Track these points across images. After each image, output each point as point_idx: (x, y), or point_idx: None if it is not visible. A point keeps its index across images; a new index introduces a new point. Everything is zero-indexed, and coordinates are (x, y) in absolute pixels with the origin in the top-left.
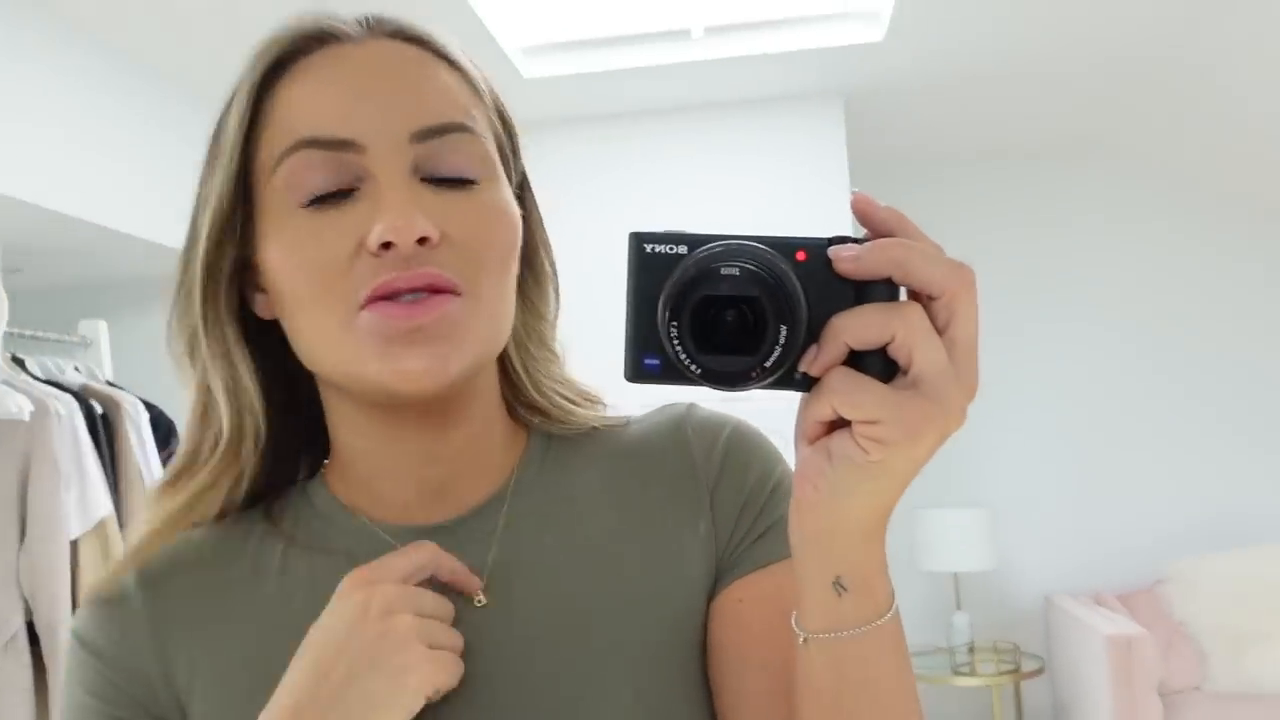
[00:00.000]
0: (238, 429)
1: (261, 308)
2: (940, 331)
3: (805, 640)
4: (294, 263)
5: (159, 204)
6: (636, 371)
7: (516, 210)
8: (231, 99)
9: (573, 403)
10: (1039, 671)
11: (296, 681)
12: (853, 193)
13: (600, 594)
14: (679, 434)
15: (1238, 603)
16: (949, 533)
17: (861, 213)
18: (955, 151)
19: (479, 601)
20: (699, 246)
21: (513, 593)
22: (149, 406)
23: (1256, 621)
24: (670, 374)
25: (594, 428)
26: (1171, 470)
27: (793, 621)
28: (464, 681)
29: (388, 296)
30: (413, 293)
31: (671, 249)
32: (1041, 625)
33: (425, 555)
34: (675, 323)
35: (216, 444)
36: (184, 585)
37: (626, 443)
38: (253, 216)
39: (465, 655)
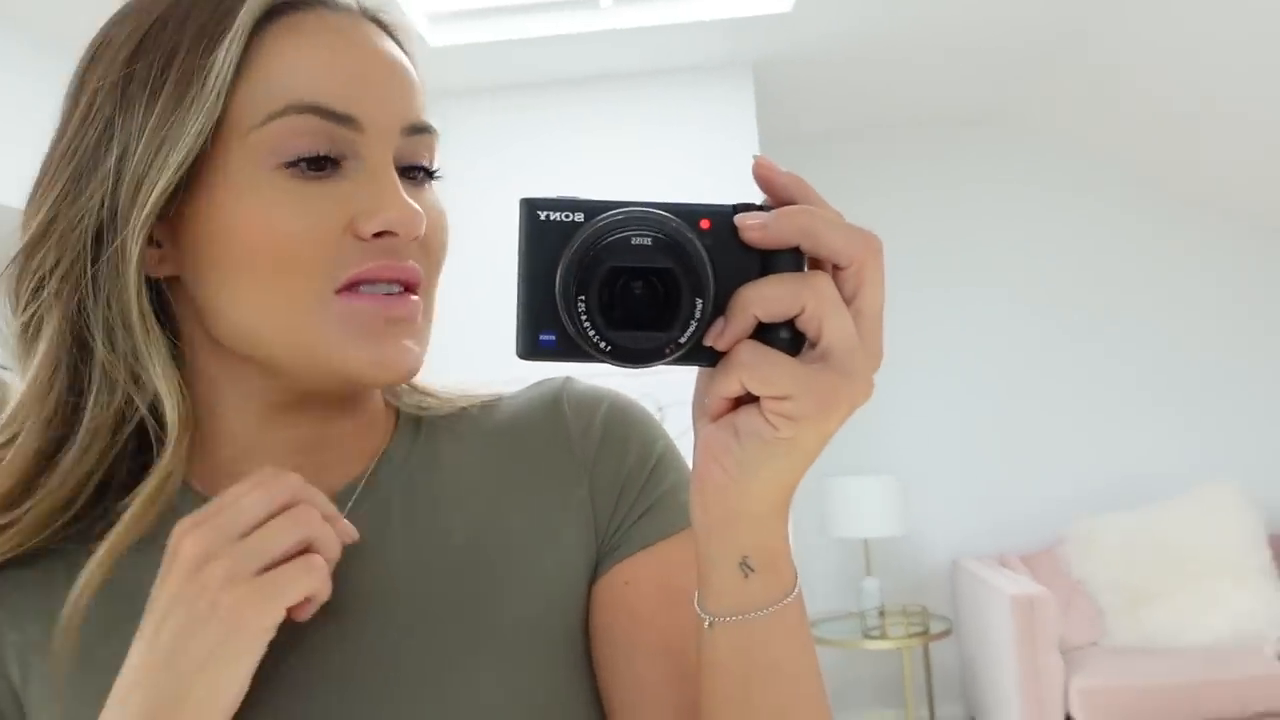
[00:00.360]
0: (119, 412)
1: (153, 264)
2: (847, 301)
3: (711, 624)
4: (269, 226)
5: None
6: (531, 348)
7: None
8: (213, 31)
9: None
10: (947, 633)
11: (132, 657)
12: (754, 158)
13: (467, 580)
14: (555, 411)
15: (1132, 560)
16: (858, 500)
17: (763, 178)
18: (865, 122)
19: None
20: (597, 214)
21: (372, 582)
22: None
23: (1150, 578)
24: (569, 350)
25: (462, 409)
26: (1071, 435)
27: (695, 604)
28: (324, 678)
29: (363, 282)
30: (390, 284)
31: (567, 216)
32: (948, 588)
33: (270, 491)
34: (582, 296)
35: (70, 428)
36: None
37: (499, 421)
38: (198, 165)
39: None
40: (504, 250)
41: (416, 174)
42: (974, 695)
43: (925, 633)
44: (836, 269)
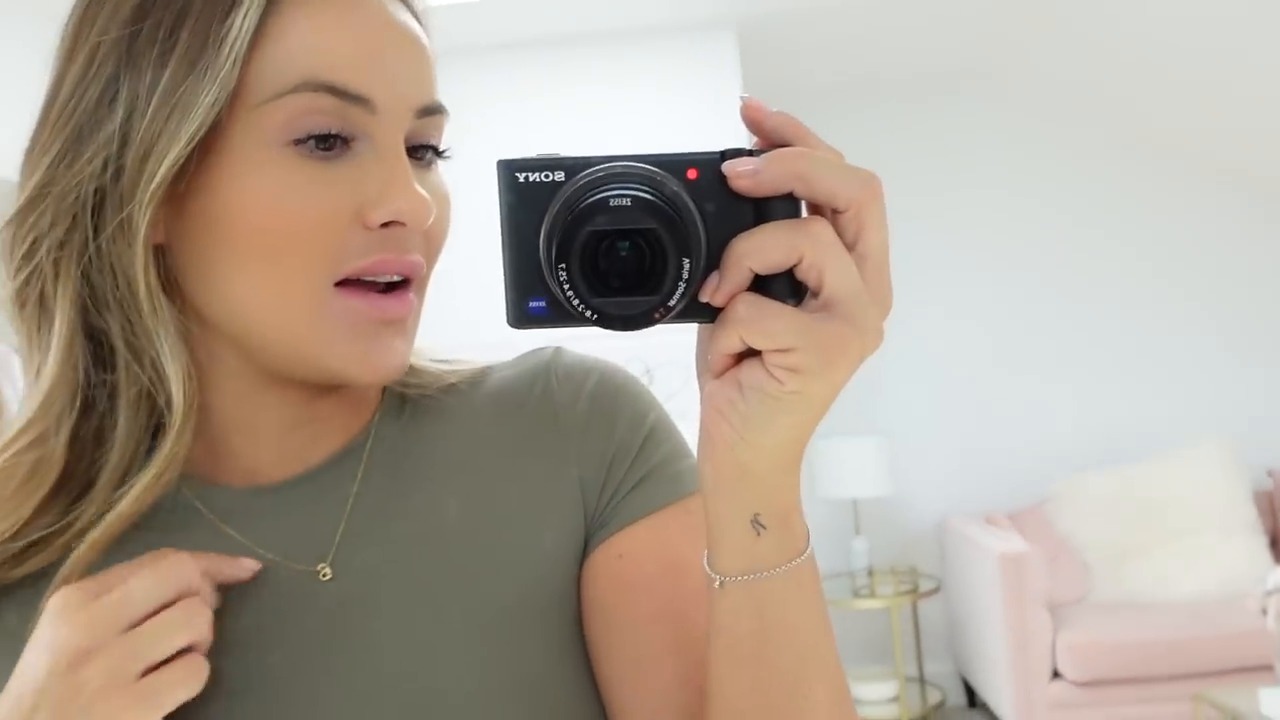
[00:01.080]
0: (143, 393)
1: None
2: (849, 246)
3: (722, 584)
4: (273, 207)
5: None
6: (521, 317)
7: None
8: None
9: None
10: (935, 591)
11: None
12: (742, 98)
13: (453, 560)
14: (543, 384)
15: (1117, 518)
16: (847, 461)
17: (752, 120)
18: (850, 80)
19: (325, 575)
20: (578, 172)
21: (360, 563)
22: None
23: (1134, 535)
24: (560, 316)
25: (451, 384)
26: (1057, 392)
27: (705, 564)
28: (309, 657)
29: (364, 276)
30: (392, 276)
31: (547, 176)
32: (936, 547)
33: (162, 579)
34: (563, 264)
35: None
36: None
37: (487, 395)
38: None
39: (314, 629)
40: (483, 214)
41: (424, 154)
42: (962, 652)
43: (914, 591)
44: (835, 212)
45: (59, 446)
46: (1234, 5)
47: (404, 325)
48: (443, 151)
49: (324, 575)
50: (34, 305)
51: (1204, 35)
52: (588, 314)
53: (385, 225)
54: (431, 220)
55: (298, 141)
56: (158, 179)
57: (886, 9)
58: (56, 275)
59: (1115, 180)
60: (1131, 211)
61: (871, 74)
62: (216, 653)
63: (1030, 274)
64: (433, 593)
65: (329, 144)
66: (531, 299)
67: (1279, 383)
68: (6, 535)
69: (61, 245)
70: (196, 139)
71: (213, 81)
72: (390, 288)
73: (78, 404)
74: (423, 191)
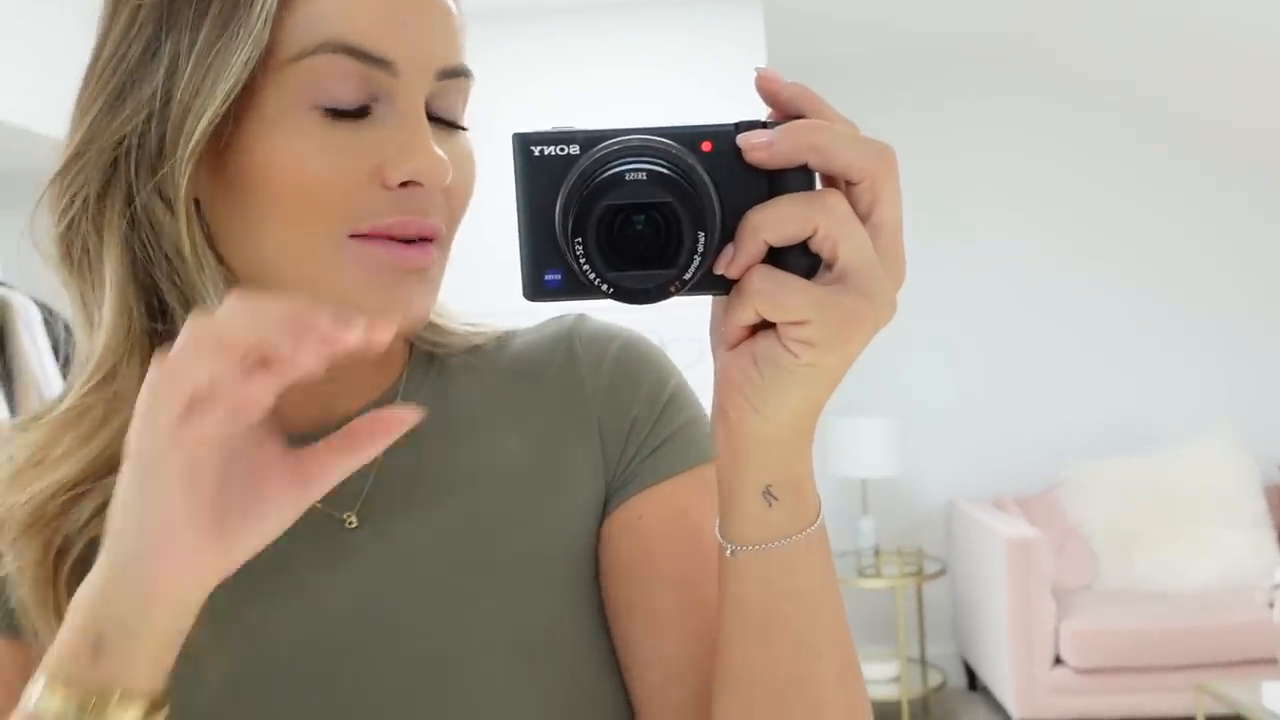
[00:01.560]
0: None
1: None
2: (863, 218)
3: (734, 553)
4: (295, 167)
5: (29, 89)
6: (536, 289)
7: None
8: None
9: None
10: (940, 573)
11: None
12: (756, 70)
13: (476, 514)
14: (567, 349)
15: (1126, 506)
16: (857, 440)
17: (767, 91)
18: (874, 55)
19: (350, 523)
20: (593, 145)
21: (386, 513)
22: (40, 307)
23: (1143, 524)
24: (575, 289)
25: (476, 345)
26: (1070, 379)
27: (717, 533)
28: (331, 604)
29: (382, 235)
30: (411, 237)
31: (562, 150)
32: (943, 529)
33: (251, 314)
34: (579, 238)
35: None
36: None
37: (512, 357)
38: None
39: (333, 577)
40: (499, 186)
41: (440, 122)
42: (965, 635)
43: (919, 573)
44: (849, 185)
45: (127, 386)
46: None
47: (425, 275)
48: (464, 127)
49: (349, 524)
50: (81, 258)
51: (1237, 9)
52: (604, 287)
53: (404, 186)
54: (448, 180)
55: (320, 107)
56: (196, 136)
57: None
58: (99, 230)
59: (1135, 167)
60: (1150, 199)
61: (895, 49)
62: (234, 594)
63: (1047, 259)
64: (455, 546)
65: (352, 113)
66: (548, 271)
67: None
68: (80, 476)
69: (101, 198)
70: (231, 97)
71: (245, 40)
72: (410, 243)
73: (137, 351)
74: (440, 152)
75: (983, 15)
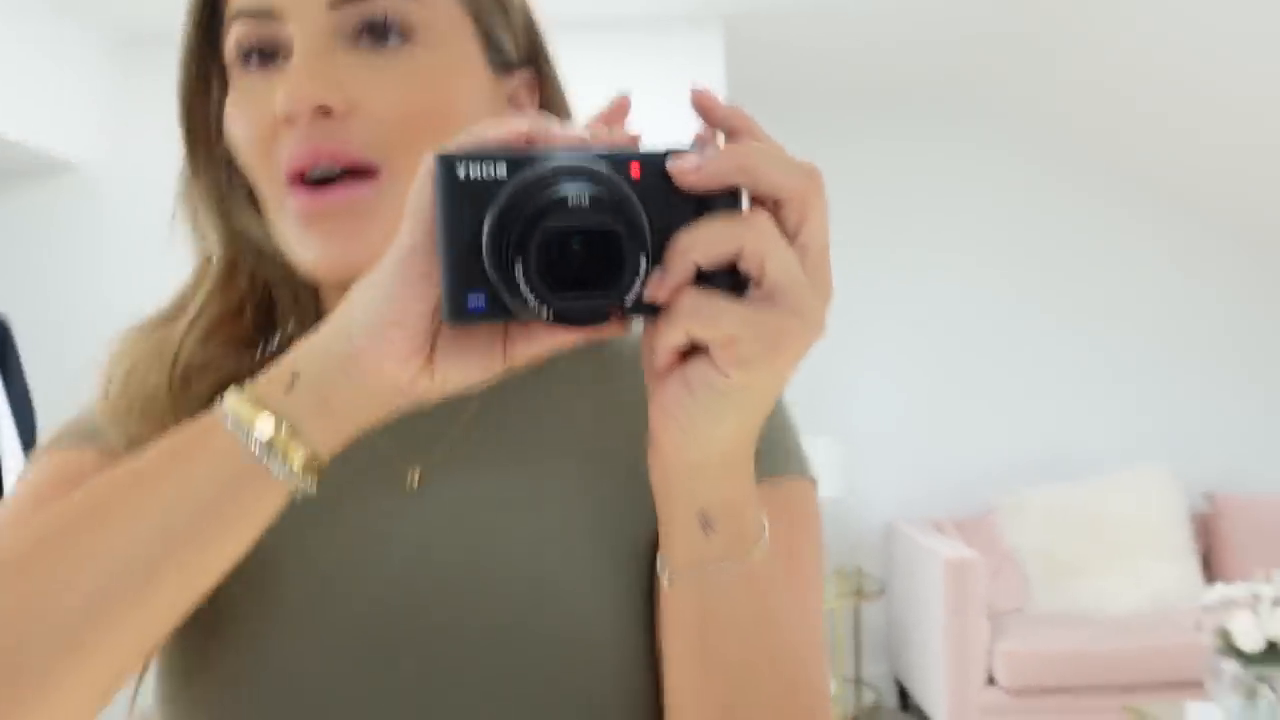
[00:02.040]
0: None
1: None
2: (791, 238)
3: (671, 580)
4: (229, 125)
5: None
6: (458, 311)
7: (466, 77)
8: None
9: None
10: (879, 593)
11: None
12: (693, 87)
13: (545, 491)
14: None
15: (1059, 532)
16: None
17: (703, 107)
18: (832, 84)
19: (412, 484)
20: (520, 167)
21: (448, 475)
22: None
23: (1074, 550)
24: (500, 311)
25: None
26: (1009, 408)
27: (657, 560)
28: (380, 563)
29: (298, 174)
30: (322, 171)
31: (489, 172)
32: (883, 549)
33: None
34: (520, 260)
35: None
36: None
37: (618, 349)
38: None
39: (389, 530)
40: None
41: (363, 39)
42: (900, 655)
43: (858, 593)
44: (777, 205)
45: (248, 264)
46: (1220, 30)
47: (340, 221)
48: (405, 40)
49: (412, 483)
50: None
51: (1183, 58)
52: (543, 310)
53: (289, 122)
54: (301, 106)
55: (239, 69)
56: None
57: (873, 16)
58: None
59: (1074, 203)
60: (1089, 235)
61: (850, 81)
62: (288, 540)
63: (990, 291)
64: (512, 518)
65: (264, 68)
66: (470, 293)
67: (1218, 408)
68: (211, 325)
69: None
70: (190, 68)
71: (193, 9)
72: (325, 184)
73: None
74: (302, 76)
75: (936, 51)
